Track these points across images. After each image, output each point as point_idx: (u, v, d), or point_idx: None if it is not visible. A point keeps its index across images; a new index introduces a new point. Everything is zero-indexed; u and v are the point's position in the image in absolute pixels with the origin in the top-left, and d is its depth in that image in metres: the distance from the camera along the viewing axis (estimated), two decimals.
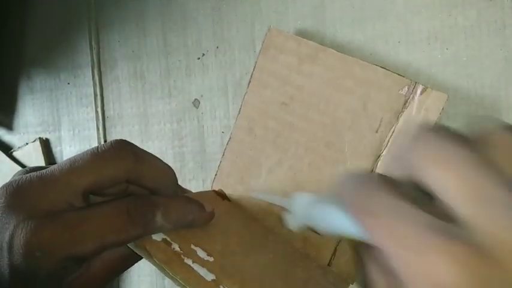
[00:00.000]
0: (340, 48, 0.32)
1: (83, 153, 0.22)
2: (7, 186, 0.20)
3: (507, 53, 0.28)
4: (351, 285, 0.30)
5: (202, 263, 0.23)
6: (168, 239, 0.23)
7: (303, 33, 0.33)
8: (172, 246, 0.23)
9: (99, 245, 0.20)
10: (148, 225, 0.22)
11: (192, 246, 0.24)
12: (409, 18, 0.30)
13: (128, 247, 0.23)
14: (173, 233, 0.23)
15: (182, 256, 0.23)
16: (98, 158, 0.21)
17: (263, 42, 0.33)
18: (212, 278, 0.22)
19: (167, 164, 0.24)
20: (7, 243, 0.19)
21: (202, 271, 0.22)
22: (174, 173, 0.25)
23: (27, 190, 0.20)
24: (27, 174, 0.21)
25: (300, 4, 0.33)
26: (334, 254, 0.31)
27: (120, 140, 0.22)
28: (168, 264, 0.22)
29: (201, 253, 0.24)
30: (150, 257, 0.22)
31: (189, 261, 0.23)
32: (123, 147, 0.22)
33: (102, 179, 0.21)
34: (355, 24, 0.32)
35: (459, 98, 0.29)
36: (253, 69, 0.33)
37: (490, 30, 0.28)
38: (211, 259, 0.24)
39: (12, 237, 0.19)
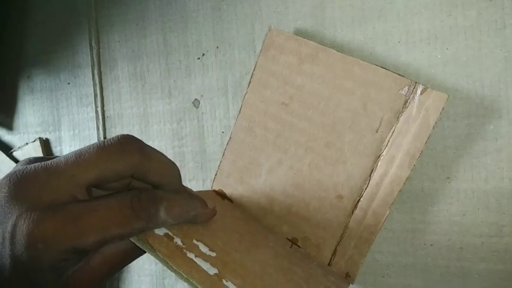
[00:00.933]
0: (340, 48, 0.32)
1: (89, 146, 0.21)
2: (11, 175, 0.20)
3: (507, 53, 0.28)
4: (351, 285, 0.30)
5: (205, 257, 0.23)
6: (170, 234, 0.23)
7: (303, 33, 0.33)
8: (175, 241, 0.23)
9: (102, 238, 0.20)
10: (151, 219, 0.22)
11: (194, 241, 0.24)
12: (409, 18, 0.30)
13: (130, 242, 0.23)
14: (175, 228, 0.23)
15: (184, 250, 0.23)
16: (104, 152, 0.21)
17: (263, 42, 0.33)
18: (215, 272, 0.23)
19: (172, 161, 0.24)
20: (9, 234, 0.19)
21: (205, 265, 0.23)
22: (178, 170, 0.25)
23: (31, 180, 0.20)
24: (32, 165, 0.21)
25: (300, 4, 0.33)
26: (334, 253, 0.31)
27: (127, 135, 0.22)
28: (171, 258, 0.22)
29: (203, 248, 0.24)
30: (153, 251, 0.22)
31: (191, 256, 0.23)
32: (130, 142, 0.22)
33: (107, 173, 0.21)
34: (355, 24, 0.32)
35: (459, 98, 0.29)
36: (254, 69, 0.33)
37: (490, 30, 0.28)
38: (213, 254, 0.24)
39: (14, 227, 0.19)
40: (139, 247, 0.23)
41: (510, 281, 0.29)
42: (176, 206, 0.23)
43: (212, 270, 0.23)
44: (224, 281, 0.22)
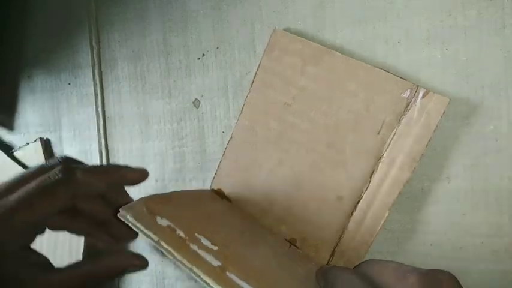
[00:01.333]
0: (340, 48, 0.32)
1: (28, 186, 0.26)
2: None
3: (507, 53, 0.28)
4: None
5: (207, 250, 0.24)
6: (172, 225, 0.24)
7: (302, 33, 0.33)
8: (177, 233, 0.24)
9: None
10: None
11: (197, 235, 0.24)
12: (409, 18, 0.30)
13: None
14: (176, 220, 0.24)
15: (187, 242, 0.23)
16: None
17: (268, 43, 0.33)
18: (218, 264, 0.23)
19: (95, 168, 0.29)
20: None
21: (208, 257, 0.23)
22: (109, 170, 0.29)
23: None
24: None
25: (300, 4, 0.33)
26: (332, 254, 0.31)
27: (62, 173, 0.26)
28: (175, 248, 0.23)
29: (206, 241, 0.24)
30: (156, 240, 0.23)
31: (194, 247, 0.23)
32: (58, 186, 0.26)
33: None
34: (355, 24, 0.32)
35: (459, 98, 0.29)
36: (257, 70, 0.33)
37: (490, 30, 0.28)
38: (215, 248, 0.24)
39: None
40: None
41: (510, 281, 0.29)
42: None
43: (215, 262, 0.23)
44: (227, 273, 0.23)
